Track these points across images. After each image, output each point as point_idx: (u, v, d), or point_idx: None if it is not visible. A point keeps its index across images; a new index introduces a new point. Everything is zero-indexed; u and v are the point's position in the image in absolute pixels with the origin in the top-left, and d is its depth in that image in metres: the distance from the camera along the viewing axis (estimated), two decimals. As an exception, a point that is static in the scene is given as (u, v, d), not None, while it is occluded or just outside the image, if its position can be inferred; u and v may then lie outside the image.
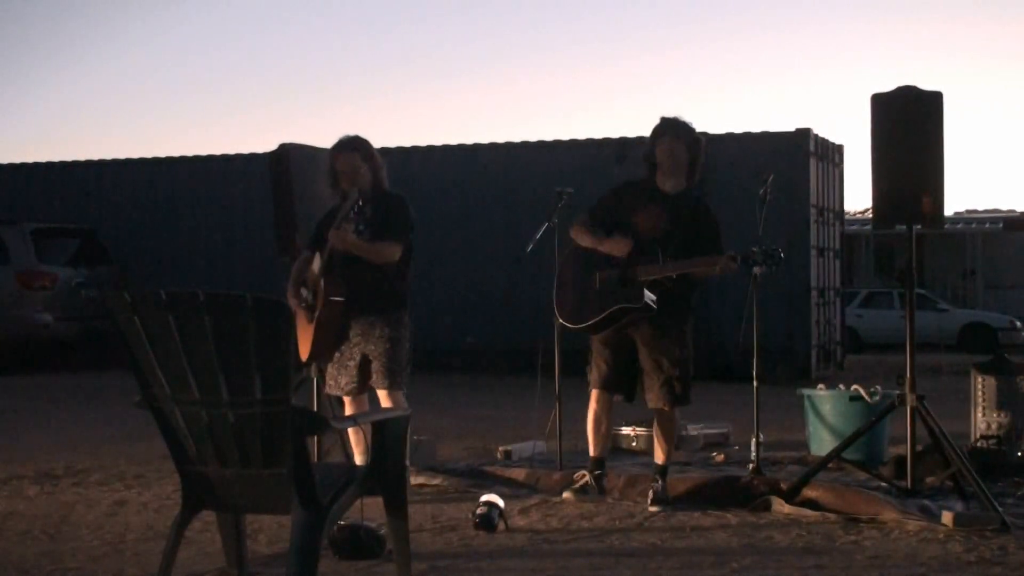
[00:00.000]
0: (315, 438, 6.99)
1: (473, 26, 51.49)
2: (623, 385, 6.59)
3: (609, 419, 6.66)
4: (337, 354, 6.56)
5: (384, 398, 6.51)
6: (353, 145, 6.60)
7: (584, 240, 6.59)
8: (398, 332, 6.51)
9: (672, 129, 6.52)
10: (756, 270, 6.74)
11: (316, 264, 6.42)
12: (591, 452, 6.66)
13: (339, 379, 6.58)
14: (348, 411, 6.62)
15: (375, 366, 6.49)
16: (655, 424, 6.64)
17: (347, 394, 6.61)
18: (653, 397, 6.47)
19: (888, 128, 6.39)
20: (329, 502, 4.33)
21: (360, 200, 6.29)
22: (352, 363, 6.53)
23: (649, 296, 6.33)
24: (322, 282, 6.35)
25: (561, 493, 6.63)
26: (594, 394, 6.61)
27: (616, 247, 6.44)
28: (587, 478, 6.55)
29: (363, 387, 6.57)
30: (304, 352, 6.39)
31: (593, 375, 6.61)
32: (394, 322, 6.51)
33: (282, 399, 4.18)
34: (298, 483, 4.23)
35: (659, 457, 6.58)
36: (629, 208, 6.55)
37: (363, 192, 6.39)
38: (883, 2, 50.19)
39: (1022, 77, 54.80)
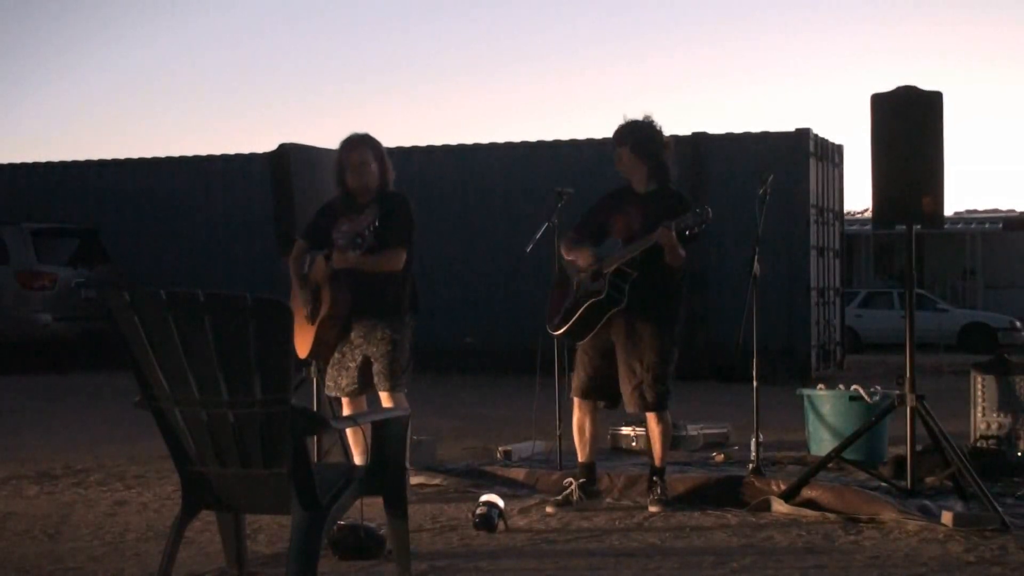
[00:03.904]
0: (315, 438, 6.99)
1: (473, 26, 51.53)
2: (602, 391, 6.58)
3: (594, 425, 6.64)
4: (338, 355, 6.57)
5: (386, 399, 6.52)
6: (365, 141, 6.60)
7: (565, 254, 6.70)
8: (400, 334, 6.51)
9: (615, 137, 6.60)
10: (756, 270, 6.71)
11: (319, 269, 6.44)
12: (578, 458, 6.68)
13: (339, 380, 6.59)
14: (346, 412, 6.63)
15: (376, 368, 6.49)
16: (646, 426, 6.65)
17: (347, 395, 6.61)
18: (627, 402, 6.51)
19: (888, 128, 6.38)
20: (329, 502, 4.34)
21: (375, 222, 6.24)
22: (353, 364, 6.54)
23: (615, 285, 6.33)
24: (328, 286, 6.37)
25: (549, 503, 6.61)
26: (576, 401, 6.64)
27: (580, 256, 6.53)
28: (573, 486, 6.54)
29: (363, 388, 6.58)
30: (303, 350, 6.40)
31: (574, 382, 6.67)
32: (396, 324, 6.51)
33: (282, 399, 4.18)
34: (298, 483, 4.24)
35: (655, 459, 6.58)
36: (609, 214, 6.62)
37: (371, 202, 6.38)
38: (883, 2, 50.23)
39: (1022, 77, 54.82)
